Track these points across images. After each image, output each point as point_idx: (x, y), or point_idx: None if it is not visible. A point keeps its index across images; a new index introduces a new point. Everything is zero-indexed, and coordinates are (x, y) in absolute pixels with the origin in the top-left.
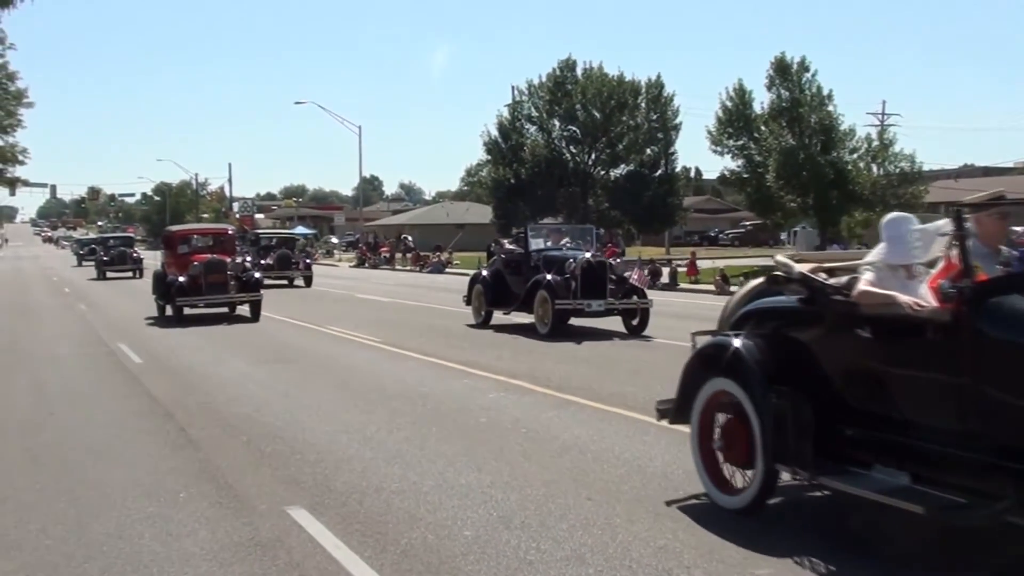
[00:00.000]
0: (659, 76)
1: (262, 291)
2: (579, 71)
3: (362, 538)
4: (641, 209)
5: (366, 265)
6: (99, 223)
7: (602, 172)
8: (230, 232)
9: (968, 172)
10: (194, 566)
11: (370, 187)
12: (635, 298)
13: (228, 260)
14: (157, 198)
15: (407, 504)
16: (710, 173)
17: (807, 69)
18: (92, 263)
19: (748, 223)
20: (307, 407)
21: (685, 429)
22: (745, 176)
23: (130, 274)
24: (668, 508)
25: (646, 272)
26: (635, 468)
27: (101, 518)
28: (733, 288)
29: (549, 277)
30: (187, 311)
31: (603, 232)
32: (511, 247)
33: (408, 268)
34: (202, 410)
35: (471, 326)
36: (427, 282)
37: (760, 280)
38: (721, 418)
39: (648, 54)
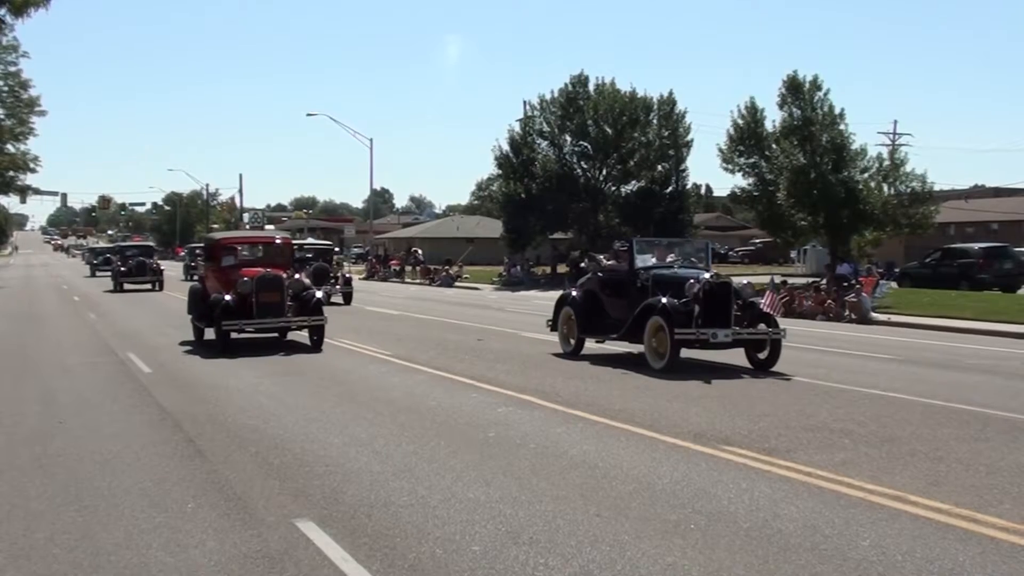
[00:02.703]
0: (671, 93)
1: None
2: (591, 87)
3: (370, 552)
4: (652, 225)
5: (376, 278)
6: (109, 232)
7: (613, 188)
8: (278, 241)
9: (978, 193)
10: None
11: (380, 200)
12: (763, 326)
13: (284, 275)
14: (168, 208)
15: (415, 518)
16: (721, 190)
17: (819, 88)
18: (107, 274)
19: (758, 241)
20: (316, 419)
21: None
22: (756, 194)
23: (149, 286)
24: (677, 526)
25: (779, 296)
26: (644, 485)
27: (109, 527)
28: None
29: (665, 301)
30: (233, 336)
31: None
32: (610, 263)
33: (418, 281)
34: (211, 421)
35: (557, 355)
36: (437, 296)
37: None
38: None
39: (660, 71)
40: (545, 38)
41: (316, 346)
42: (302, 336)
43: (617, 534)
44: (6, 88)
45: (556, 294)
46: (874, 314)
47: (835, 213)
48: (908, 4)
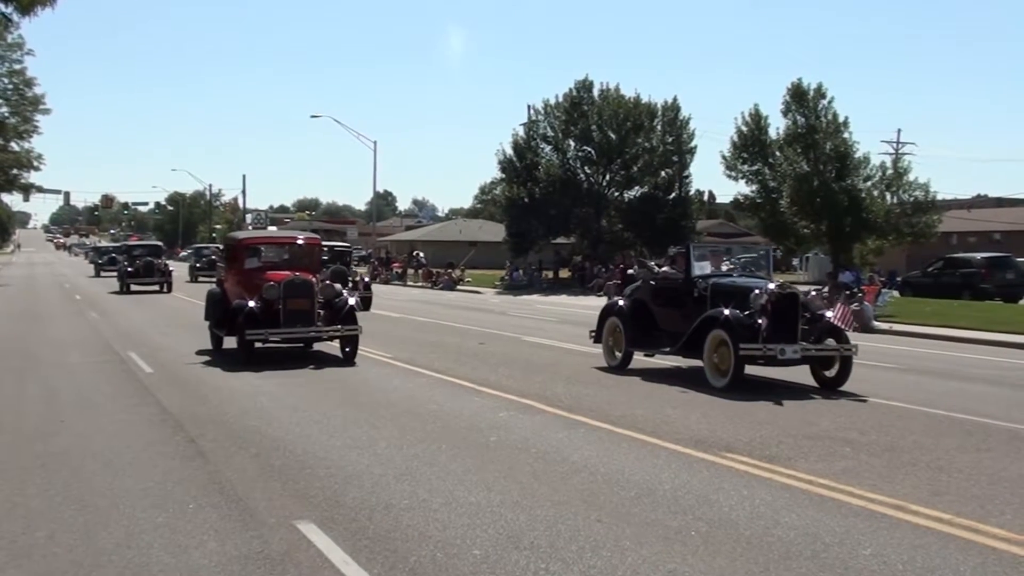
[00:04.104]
0: (675, 99)
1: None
2: (596, 92)
3: (371, 554)
4: (654, 231)
5: (378, 280)
6: (112, 231)
7: (616, 193)
8: (306, 242)
9: (981, 202)
10: None
11: (383, 202)
12: (831, 342)
13: (314, 280)
14: (170, 208)
15: (416, 521)
16: (724, 197)
17: (823, 96)
18: (112, 274)
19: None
20: (317, 422)
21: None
22: (759, 201)
23: (157, 287)
24: (678, 532)
25: (851, 308)
26: (645, 490)
27: (110, 527)
28: None
29: (728, 313)
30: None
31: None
32: (664, 270)
33: (420, 284)
34: (212, 422)
35: (601, 369)
36: (439, 299)
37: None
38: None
39: (664, 77)
40: (550, 43)
41: (349, 359)
42: (327, 347)
43: (618, 540)
44: (11, 86)
45: (559, 299)
46: (876, 323)
47: (838, 221)
48: (912, 13)
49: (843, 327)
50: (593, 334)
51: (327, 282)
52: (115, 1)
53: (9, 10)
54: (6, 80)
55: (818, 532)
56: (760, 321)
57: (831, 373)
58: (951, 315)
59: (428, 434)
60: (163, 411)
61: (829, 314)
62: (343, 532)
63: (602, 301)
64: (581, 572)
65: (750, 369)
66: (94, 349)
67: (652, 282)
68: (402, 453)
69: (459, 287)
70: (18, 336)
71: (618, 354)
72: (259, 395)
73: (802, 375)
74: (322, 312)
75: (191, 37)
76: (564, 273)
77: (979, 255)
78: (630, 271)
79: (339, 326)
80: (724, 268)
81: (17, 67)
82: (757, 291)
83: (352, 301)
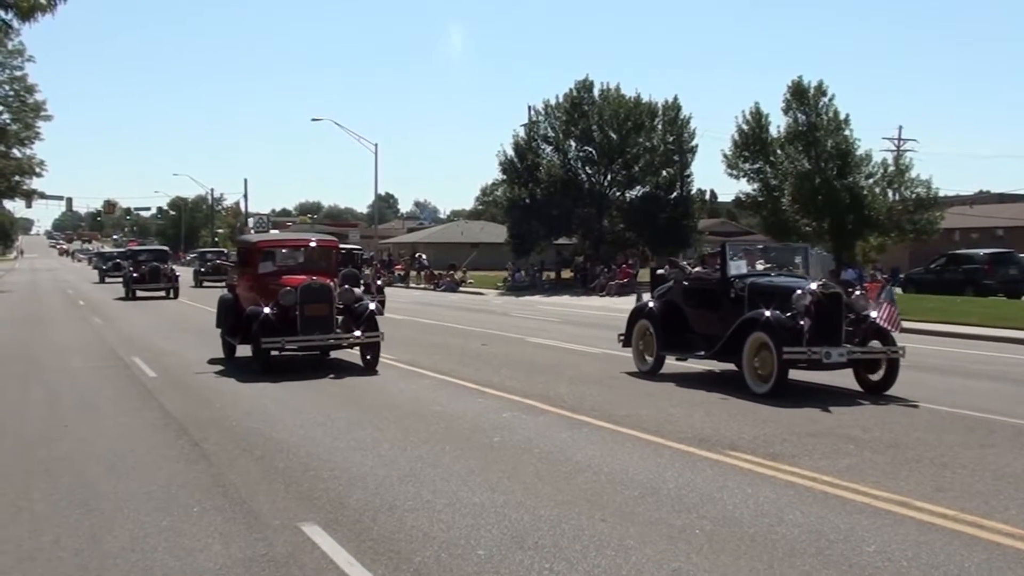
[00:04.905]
0: (676, 98)
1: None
2: (596, 92)
3: (375, 556)
4: (656, 231)
5: (380, 283)
6: (114, 236)
7: (617, 193)
8: (322, 244)
9: (983, 199)
10: None
11: (385, 204)
12: (876, 344)
13: (332, 284)
14: (172, 212)
15: (420, 522)
16: (725, 196)
17: (824, 93)
18: (117, 280)
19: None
20: (321, 424)
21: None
22: (760, 199)
23: (163, 293)
24: (682, 531)
25: (896, 309)
26: (649, 490)
27: (115, 531)
28: None
29: (769, 314)
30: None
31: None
32: (697, 270)
33: (422, 286)
34: (215, 425)
35: (631, 374)
36: (441, 300)
37: None
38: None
39: (665, 76)
40: (550, 44)
41: (370, 367)
42: (345, 354)
43: (622, 539)
44: (12, 92)
45: (561, 299)
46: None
47: (840, 219)
48: (913, 10)
49: (889, 328)
50: (622, 337)
51: (346, 286)
52: (115, 6)
53: (9, 16)
54: (7, 87)
55: (822, 529)
56: (803, 323)
57: (876, 377)
58: (954, 311)
59: (432, 435)
60: (166, 415)
61: (874, 314)
62: (347, 534)
63: (604, 301)
64: (585, 572)
65: (790, 374)
66: (97, 354)
67: (685, 283)
68: (406, 454)
69: (461, 289)
70: (21, 342)
71: (649, 358)
72: (262, 398)
73: (843, 379)
74: (340, 318)
75: (191, 41)
76: (566, 274)
77: (982, 251)
78: (660, 271)
79: (359, 333)
80: (759, 267)
81: (18, 73)
82: (800, 291)
83: (372, 306)
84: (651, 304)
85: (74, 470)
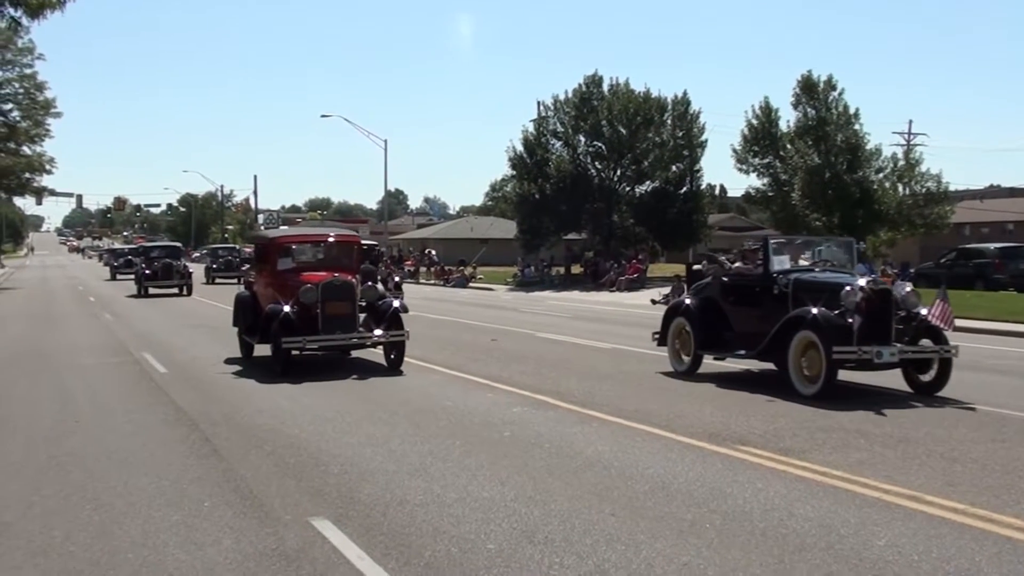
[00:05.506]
0: (685, 93)
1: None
2: (605, 87)
3: (386, 550)
4: (665, 226)
5: (397, 279)
6: (124, 233)
7: (627, 188)
8: (343, 240)
9: (994, 193)
10: (219, 575)
11: (395, 201)
12: (927, 342)
13: (354, 281)
14: (183, 209)
15: (431, 517)
16: (735, 191)
17: (834, 88)
18: (129, 277)
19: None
20: (331, 419)
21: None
22: (770, 194)
23: (176, 290)
24: (692, 525)
25: (950, 306)
26: (659, 485)
27: (126, 526)
28: None
29: (816, 312)
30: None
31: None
32: (737, 265)
33: (432, 282)
34: (226, 420)
35: (666, 374)
36: (451, 296)
37: None
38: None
39: (674, 71)
40: (559, 39)
41: (394, 367)
42: (367, 354)
43: (632, 533)
44: (22, 90)
45: (570, 295)
46: None
47: (850, 213)
48: (923, 4)
49: (942, 326)
50: (656, 336)
51: (368, 283)
52: (124, 4)
53: (18, 13)
54: (17, 84)
55: (833, 523)
56: (852, 320)
57: (928, 377)
58: (964, 305)
59: (442, 430)
60: (178, 410)
61: (924, 312)
62: (358, 528)
63: (614, 297)
64: (596, 566)
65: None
66: (108, 350)
67: (724, 279)
68: (416, 449)
69: (471, 284)
70: (32, 338)
71: (686, 358)
72: (273, 394)
73: (892, 380)
74: (363, 316)
75: (200, 38)
76: (576, 269)
77: (992, 246)
78: (696, 267)
79: (382, 332)
80: (803, 263)
81: (28, 71)
82: (849, 287)
83: (396, 304)
84: (688, 301)
85: (85, 465)
